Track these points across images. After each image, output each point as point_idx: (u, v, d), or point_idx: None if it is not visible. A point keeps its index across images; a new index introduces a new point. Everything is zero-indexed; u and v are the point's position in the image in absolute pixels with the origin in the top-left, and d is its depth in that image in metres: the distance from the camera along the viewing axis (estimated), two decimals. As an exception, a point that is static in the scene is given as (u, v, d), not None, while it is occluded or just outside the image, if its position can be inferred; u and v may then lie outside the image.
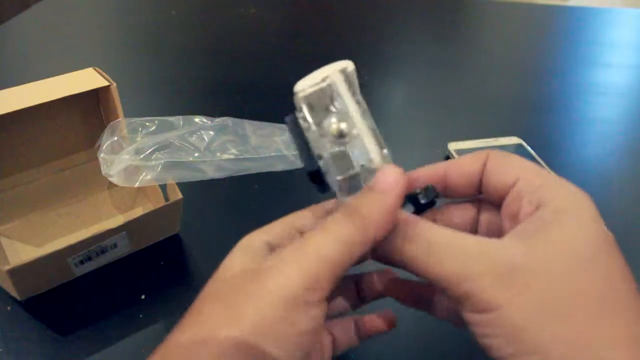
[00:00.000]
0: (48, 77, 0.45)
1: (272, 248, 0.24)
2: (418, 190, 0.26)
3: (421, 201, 0.26)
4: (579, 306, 0.20)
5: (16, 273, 0.37)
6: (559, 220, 0.21)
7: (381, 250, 0.23)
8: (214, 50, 0.88)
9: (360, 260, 0.24)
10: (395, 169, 0.23)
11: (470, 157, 0.26)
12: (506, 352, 0.20)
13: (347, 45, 0.88)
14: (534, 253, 0.21)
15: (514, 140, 0.59)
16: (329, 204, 0.27)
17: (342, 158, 0.23)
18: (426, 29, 0.99)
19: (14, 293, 0.40)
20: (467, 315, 0.22)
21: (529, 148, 0.58)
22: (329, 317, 0.29)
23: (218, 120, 0.42)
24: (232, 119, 0.42)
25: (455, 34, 0.97)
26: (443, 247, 0.22)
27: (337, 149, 0.23)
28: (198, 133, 0.40)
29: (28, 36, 0.92)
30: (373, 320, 0.29)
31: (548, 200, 0.22)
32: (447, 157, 0.58)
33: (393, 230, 0.23)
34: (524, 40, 0.95)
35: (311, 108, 0.24)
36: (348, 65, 0.24)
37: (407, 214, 0.24)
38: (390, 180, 0.22)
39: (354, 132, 0.23)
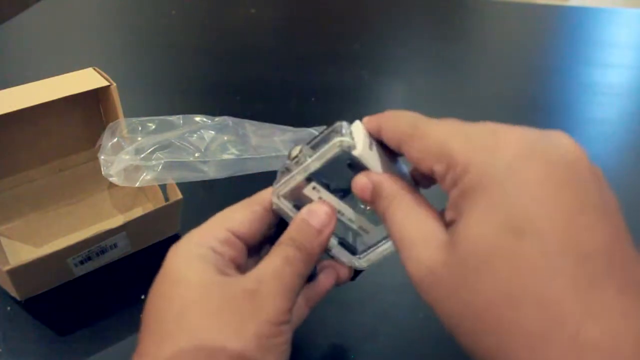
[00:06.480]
0: (48, 77, 0.45)
1: (219, 254, 0.27)
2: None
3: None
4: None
5: (16, 273, 0.37)
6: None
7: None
8: (214, 50, 0.88)
9: None
10: (326, 207, 0.28)
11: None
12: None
13: (347, 45, 0.88)
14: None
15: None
16: (263, 195, 0.30)
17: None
18: (426, 29, 0.99)
19: (14, 293, 0.40)
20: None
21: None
22: None
23: (218, 119, 0.42)
24: (232, 118, 0.42)
25: (456, 34, 0.97)
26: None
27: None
28: (198, 132, 0.40)
29: (28, 36, 0.92)
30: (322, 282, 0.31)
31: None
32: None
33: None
34: (524, 40, 0.94)
35: None
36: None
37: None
38: (325, 218, 0.28)
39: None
